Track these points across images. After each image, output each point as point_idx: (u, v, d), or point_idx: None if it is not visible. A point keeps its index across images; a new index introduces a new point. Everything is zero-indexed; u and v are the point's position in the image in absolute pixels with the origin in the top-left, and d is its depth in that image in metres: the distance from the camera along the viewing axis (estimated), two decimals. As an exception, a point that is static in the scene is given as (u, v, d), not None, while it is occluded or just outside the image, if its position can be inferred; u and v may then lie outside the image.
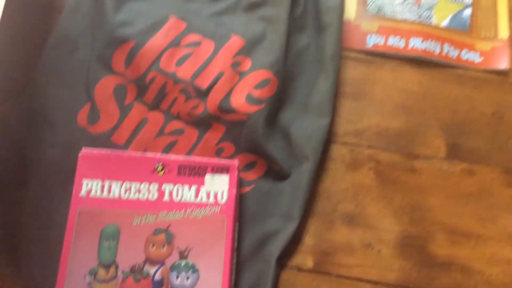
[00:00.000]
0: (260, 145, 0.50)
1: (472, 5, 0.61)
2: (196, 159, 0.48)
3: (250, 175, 0.52)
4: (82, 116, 0.52)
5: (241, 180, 0.51)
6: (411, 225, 0.51)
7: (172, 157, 0.48)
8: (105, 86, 0.52)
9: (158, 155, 0.49)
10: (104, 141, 0.51)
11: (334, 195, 0.52)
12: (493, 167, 0.54)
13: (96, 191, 0.47)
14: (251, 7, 0.54)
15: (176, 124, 0.52)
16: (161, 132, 0.52)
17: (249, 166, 0.52)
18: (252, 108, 0.50)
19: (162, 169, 0.48)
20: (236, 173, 0.48)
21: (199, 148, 0.52)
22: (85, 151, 0.48)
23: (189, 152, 0.52)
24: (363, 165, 0.53)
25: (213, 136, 0.52)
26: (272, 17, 0.53)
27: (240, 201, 0.50)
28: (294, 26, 0.55)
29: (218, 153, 0.52)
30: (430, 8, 0.61)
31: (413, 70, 0.58)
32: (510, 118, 0.56)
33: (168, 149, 0.51)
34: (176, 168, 0.48)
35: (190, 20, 0.53)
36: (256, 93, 0.50)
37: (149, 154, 0.48)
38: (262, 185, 0.51)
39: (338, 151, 0.54)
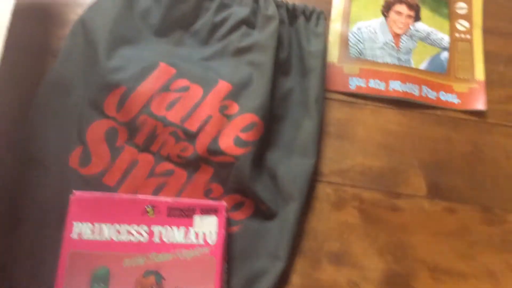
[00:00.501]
0: (247, 186, 0.52)
1: (449, 48, 0.65)
2: (185, 200, 0.50)
3: (238, 215, 0.53)
4: (74, 158, 0.53)
5: (229, 220, 0.53)
6: (395, 263, 0.53)
7: (162, 199, 0.50)
8: (97, 129, 0.53)
9: (148, 197, 0.50)
10: (95, 182, 0.52)
11: (320, 234, 0.54)
12: (473, 205, 0.56)
13: (87, 234, 0.48)
14: (239, 52, 0.57)
15: (166, 166, 0.53)
16: (151, 174, 0.53)
17: (237, 206, 0.53)
18: (240, 151, 0.52)
19: (152, 211, 0.49)
20: (224, 214, 0.49)
21: (188, 189, 0.53)
22: (76, 194, 0.49)
23: (179, 193, 0.53)
24: (348, 204, 0.55)
25: (202, 177, 0.53)
26: (258, 62, 0.55)
27: (229, 240, 0.52)
28: (279, 70, 0.57)
29: (207, 194, 0.53)
30: (409, 52, 0.64)
31: (394, 111, 0.60)
32: (487, 157, 0.58)
33: (158, 190, 0.53)
34: (165, 210, 0.49)
35: (179, 66, 0.55)
36: (243, 136, 0.52)
37: (139, 196, 0.50)
38: (250, 224, 0.53)
39: (323, 190, 0.56)
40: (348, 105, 0.60)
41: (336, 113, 0.60)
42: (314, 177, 0.56)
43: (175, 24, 0.59)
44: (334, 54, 0.63)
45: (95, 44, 0.54)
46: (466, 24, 0.66)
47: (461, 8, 0.67)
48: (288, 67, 0.58)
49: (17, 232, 0.50)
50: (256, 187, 0.52)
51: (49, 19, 0.60)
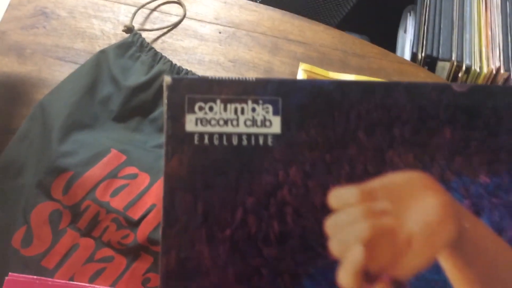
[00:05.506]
0: (185, 278, 0.52)
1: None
2: (118, 291, 0.50)
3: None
4: (17, 239, 0.53)
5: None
6: None
7: (96, 287, 0.50)
8: (42, 211, 0.54)
9: (82, 284, 0.50)
10: (34, 264, 0.52)
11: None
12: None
13: (13, 320, 0.47)
14: (191, 142, 0.58)
15: (106, 252, 0.54)
16: (90, 259, 0.53)
17: (174, 298, 0.53)
18: (179, 242, 0.52)
19: (83, 300, 0.49)
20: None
21: (126, 277, 0.53)
22: (11, 276, 0.49)
23: (116, 280, 0.53)
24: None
25: (141, 266, 0.53)
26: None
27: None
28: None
29: (144, 283, 0.53)
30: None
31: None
32: None
33: (96, 276, 0.52)
34: (97, 300, 0.49)
35: (130, 153, 0.56)
36: (185, 227, 0.53)
37: (73, 283, 0.50)
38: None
39: None
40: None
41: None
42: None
43: (134, 111, 0.61)
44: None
45: (50, 128, 0.56)
46: None
47: None
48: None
49: None
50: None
51: (14, 98, 0.62)
